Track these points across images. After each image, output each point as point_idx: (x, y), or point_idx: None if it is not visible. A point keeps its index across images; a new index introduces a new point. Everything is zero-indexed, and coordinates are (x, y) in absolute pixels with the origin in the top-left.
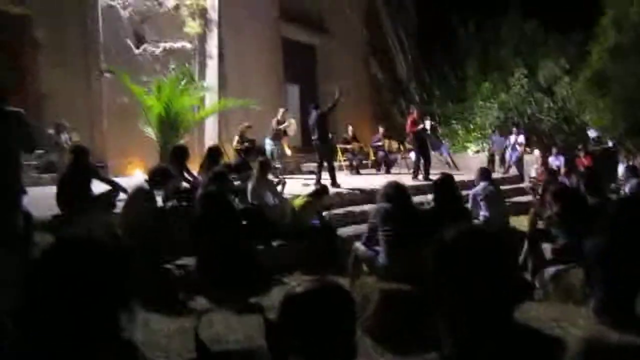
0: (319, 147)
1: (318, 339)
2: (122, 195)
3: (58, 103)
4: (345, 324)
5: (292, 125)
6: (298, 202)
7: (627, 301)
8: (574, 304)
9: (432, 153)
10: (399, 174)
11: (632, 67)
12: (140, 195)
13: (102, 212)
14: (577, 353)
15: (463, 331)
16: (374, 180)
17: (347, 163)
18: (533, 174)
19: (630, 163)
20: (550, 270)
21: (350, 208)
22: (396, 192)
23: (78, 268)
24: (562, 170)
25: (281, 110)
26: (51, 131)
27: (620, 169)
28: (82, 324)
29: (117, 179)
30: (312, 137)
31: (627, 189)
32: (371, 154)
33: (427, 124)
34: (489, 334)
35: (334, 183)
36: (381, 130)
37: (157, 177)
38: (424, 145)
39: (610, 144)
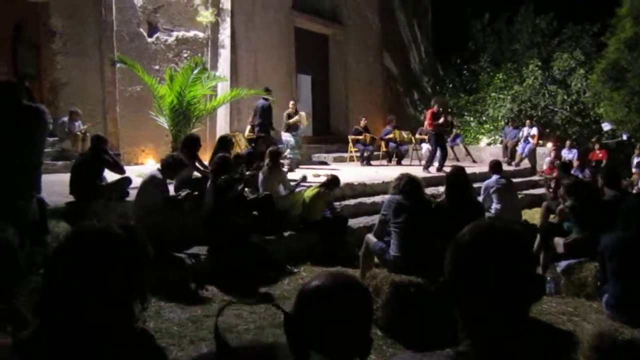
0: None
1: (334, 334)
2: (135, 184)
3: (72, 91)
4: (362, 318)
5: (302, 119)
6: (309, 193)
7: None
8: (585, 298)
9: (448, 145)
10: (410, 165)
11: None
12: (153, 183)
13: (114, 199)
14: (589, 348)
15: (481, 328)
16: (386, 172)
17: (358, 154)
18: (545, 166)
19: None
20: (562, 264)
21: (361, 199)
22: (408, 184)
23: (94, 258)
24: (575, 163)
25: (291, 103)
26: (65, 119)
27: (634, 163)
28: (97, 314)
29: (128, 167)
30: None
31: None
32: (382, 145)
33: (448, 117)
34: (506, 331)
35: None
36: (390, 122)
37: (169, 166)
38: (441, 139)
39: (624, 137)
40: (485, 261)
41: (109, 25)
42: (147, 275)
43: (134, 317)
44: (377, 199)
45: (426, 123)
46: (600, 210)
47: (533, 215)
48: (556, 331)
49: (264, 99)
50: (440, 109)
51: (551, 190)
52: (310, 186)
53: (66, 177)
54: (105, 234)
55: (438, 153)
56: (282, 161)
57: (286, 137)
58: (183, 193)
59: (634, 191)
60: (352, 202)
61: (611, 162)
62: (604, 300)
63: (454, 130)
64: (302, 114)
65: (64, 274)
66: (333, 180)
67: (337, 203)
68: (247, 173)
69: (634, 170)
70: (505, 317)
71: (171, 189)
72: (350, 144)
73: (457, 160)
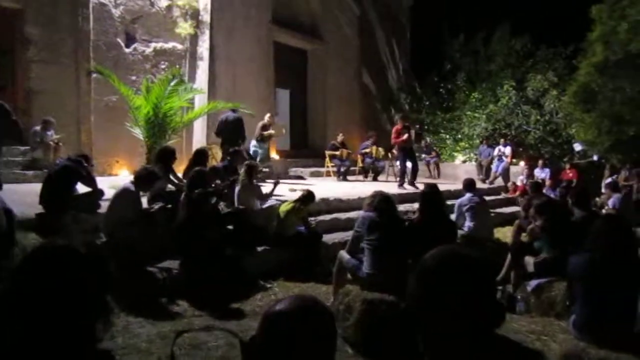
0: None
1: (298, 358)
2: (107, 196)
3: (46, 100)
4: (325, 342)
5: (278, 131)
6: (284, 208)
7: (606, 317)
8: (555, 317)
9: (424, 162)
10: (387, 181)
11: (619, 83)
12: (125, 196)
13: (86, 212)
14: None
15: (442, 351)
16: (361, 187)
17: (334, 169)
18: (519, 184)
19: (614, 177)
20: (532, 283)
21: (336, 215)
22: (381, 201)
23: (54, 278)
24: (548, 182)
25: (267, 115)
26: (38, 128)
27: (604, 184)
28: (57, 334)
29: (102, 179)
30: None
31: (610, 203)
32: (359, 161)
33: (412, 133)
34: (466, 354)
35: None
36: (370, 138)
37: (143, 178)
38: (409, 155)
39: (595, 158)
40: (447, 287)
41: (86, 35)
42: (109, 295)
43: (95, 337)
44: (353, 214)
45: (392, 140)
46: (569, 231)
47: (505, 234)
48: (525, 350)
49: (232, 110)
50: (406, 124)
51: (523, 209)
52: (285, 201)
53: (37, 187)
54: (67, 254)
55: (409, 168)
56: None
57: (255, 147)
58: (156, 206)
59: (604, 211)
60: (327, 217)
61: (581, 183)
62: (571, 321)
63: (423, 143)
64: (281, 124)
65: (23, 293)
66: (308, 196)
67: (312, 218)
68: (223, 186)
69: (603, 190)
70: (465, 341)
71: (144, 201)
72: (327, 159)
73: (431, 176)
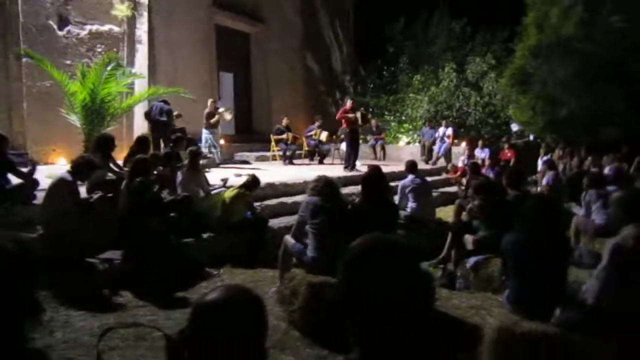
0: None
1: (228, 348)
2: (43, 186)
3: None
4: (256, 331)
5: (224, 115)
6: (229, 194)
7: (536, 292)
8: (492, 292)
9: (370, 144)
10: (332, 164)
11: (552, 66)
12: (62, 187)
13: (19, 204)
14: (491, 340)
15: (368, 335)
16: (308, 171)
17: (280, 153)
18: (460, 165)
19: (549, 156)
20: (471, 261)
21: (283, 199)
22: (325, 186)
23: None
24: (487, 162)
25: (209, 101)
26: None
27: (540, 162)
28: None
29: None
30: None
31: (544, 181)
32: (304, 144)
33: (358, 114)
34: (393, 338)
35: None
36: (316, 122)
37: (80, 168)
38: (354, 138)
39: (531, 137)
40: (371, 273)
41: (14, 17)
42: (42, 291)
43: (25, 335)
44: (299, 198)
45: (338, 115)
46: (504, 210)
47: (448, 213)
48: (465, 325)
49: (163, 101)
50: (355, 108)
51: (463, 189)
52: (231, 186)
53: None
54: None
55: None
56: (202, 161)
57: (205, 134)
58: (95, 196)
59: (539, 188)
60: (273, 201)
61: (516, 163)
62: (505, 295)
63: (373, 123)
64: (222, 110)
65: None
66: (253, 181)
67: (258, 203)
68: (165, 174)
69: (539, 169)
70: (390, 325)
71: (83, 191)
72: (273, 143)
73: (377, 158)
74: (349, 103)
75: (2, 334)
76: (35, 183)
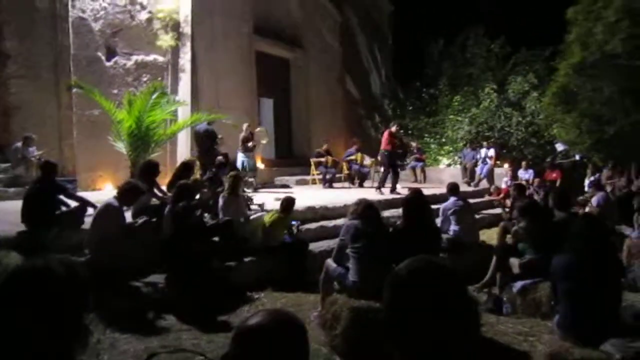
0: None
1: None
2: (90, 211)
3: (26, 116)
4: (296, 358)
5: (261, 136)
6: (267, 218)
7: (588, 317)
8: (541, 318)
9: (410, 167)
10: (372, 187)
11: (597, 83)
12: (108, 212)
13: (69, 229)
14: None
15: None
16: (347, 195)
17: (320, 177)
18: (503, 186)
19: (596, 176)
20: (518, 285)
21: (323, 223)
22: (366, 209)
23: (30, 300)
24: (535, 182)
25: (245, 125)
26: (19, 144)
27: (587, 182)
28: (33, 357)
29: (86, 194)
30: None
31: (594, 201)
32: (344, 167)
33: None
34: None
35: None
36: (355, 145)
37: (126, 193)
38: (393, 160)
39: (577, 157)
40: (419, 297)
41: (65, 49)
42: (91, 313)
43: (74, 358)
44: (339, 222)
45: (383, 143)
46: (551, 232)
47: (491, 236)
48: (513, 352)
49: (208, 123)
50: (400, 131)
51: (507, 211)
52: (269, 210)
53: (19, 204)
54: (43, 276)
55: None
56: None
57: (241, 158)
58: (140, 220)
59: (587, 209)
60: (313, 225)
61: (563, 184)
62: (555, 321)
63: (414, 145)
64: (258, 130)
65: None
66: (287, 203)
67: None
68: (207, 198)
69: (586, 189)
70: (437, 352)
71: (128, 216)
72: (313, 167)
73: (417, 181)
74: (394, 127)
75: (52, 356)
76: (84, 209)
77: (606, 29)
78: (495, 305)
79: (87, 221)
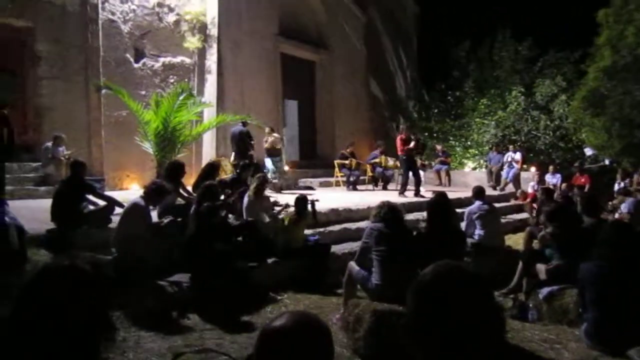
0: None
1: None
2: (118, 210)
3: (57, 116)
4: (323, 358)
5: (272, 141)
6: (286, 220)
7: (617, 325)
8: (567, 325)
9: (434, 169)
10: (396, 190)
11: (628, 87)
12: (135, 211)
13: (96, 227)
14: None
15: None
16: (371, 197)
17: (344, 179)
18: (530, 191)
19: (626, 181)
20: (544, 291)
21: (346, 225)
22: (389, 212)
23: (56, 300)
24: (562, 186)
25: (267, 129)
26: (49, 144)
27: (617, 188)
28: (61, 353)
29: (113, 193)
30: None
31: (624, 208)
32: (368, 170)
33: (412, 143)
34: None
35: None
36: (379, 148)
37: (152, 193)
38: (412, 164)
39: (606, 162)
40: (444, 302)
41: (95, 51)
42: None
43: (100, 354)
44: (362, 224)
45: (398, 149)
46: (579, 238)
47: (517, 241)
48: None
49: (243, 124)
50: (411, 135)
51: (534, 216)
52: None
53: (49, 203)
54: (70, 274)
55: (411, 178)
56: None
57: (267, 162)
58: (166, 220)
59: (617, 215)
60: (337, 227)
61: (591, 190)
62: (582, 329)
63: (439, 147)
64: (273, 139)
65: (27, 316)
66: (300, 202)
67: (322, 229)
68: (231, 199)
69: (616, 195)
70: (461, 357)
71: (154, 215)
72: (337, 169)
73: (442, 184)
74: (403, 134)
75: (79, 352)
76: (112, 208)
77: (638, 32)
78: (520, 312)
79: (115, 220)
